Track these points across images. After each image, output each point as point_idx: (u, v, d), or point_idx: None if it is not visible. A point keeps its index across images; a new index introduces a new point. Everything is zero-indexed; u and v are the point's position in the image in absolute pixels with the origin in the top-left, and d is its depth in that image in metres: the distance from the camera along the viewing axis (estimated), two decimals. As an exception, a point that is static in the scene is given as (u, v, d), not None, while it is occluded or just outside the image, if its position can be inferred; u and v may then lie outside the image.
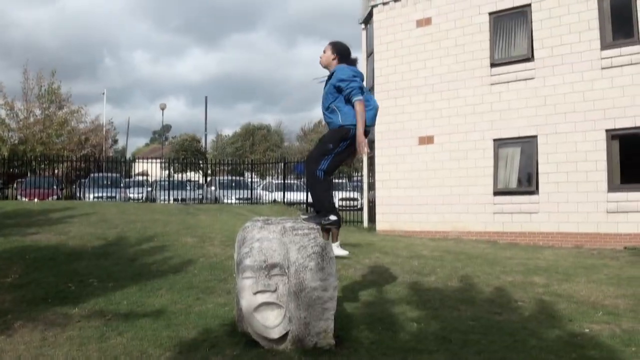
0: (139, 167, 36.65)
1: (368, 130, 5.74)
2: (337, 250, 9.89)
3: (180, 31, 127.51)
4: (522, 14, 16.23)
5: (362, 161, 21.40)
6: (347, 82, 5.57)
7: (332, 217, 5.58)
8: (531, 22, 15.98)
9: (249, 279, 4.78)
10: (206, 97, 69.19)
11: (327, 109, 5.72)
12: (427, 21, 17.78)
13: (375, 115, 5.83)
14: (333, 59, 5.82)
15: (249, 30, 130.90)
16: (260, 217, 5.37)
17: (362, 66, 19.30)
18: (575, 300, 7.23)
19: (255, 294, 4.76)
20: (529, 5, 16.04)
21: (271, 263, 4.80)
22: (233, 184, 28.13)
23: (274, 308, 4.79)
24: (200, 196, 27.90)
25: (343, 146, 5.59)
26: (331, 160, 5.60)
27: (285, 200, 25.11)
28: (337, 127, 5.61)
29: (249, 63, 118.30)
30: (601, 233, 14.66)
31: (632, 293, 7.74)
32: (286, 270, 4.81)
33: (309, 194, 5.72)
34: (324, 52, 5.92)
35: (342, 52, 5.85)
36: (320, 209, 5.64)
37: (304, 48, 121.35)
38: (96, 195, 24.79)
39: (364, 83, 5.79)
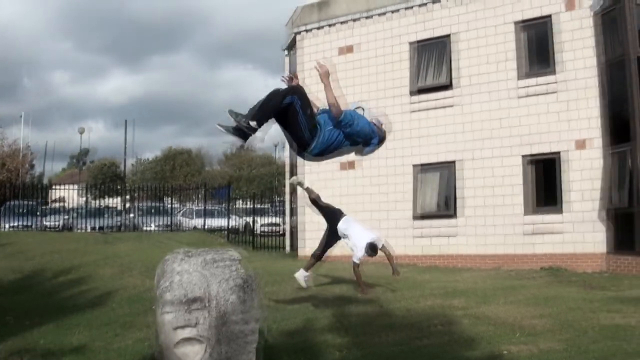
0: (56, 193, 35.32)
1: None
2: (300, 277, 10.08)
3: (101, 52, 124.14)
4: (442, 44, 16.70)
5: (284, 186, 21.35)
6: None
7: (252, 124, 5.12)
8: (450, 52, 16.47)
9: (169, 314, 4.67)
10: (126, 121, 67.36)
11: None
12: (349, 49, 18.05)
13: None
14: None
15: (172, 52, 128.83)
16: (180, 249, 5.25)
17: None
18: (494, 322, 7.39)
19: (175, 329, 4.65)
20: (449, 36, 16.53)
21: (192, 297, 4.70)
22: (153, 211, 27.48)
23: (194, 343, 4.68)
24: (119, 223, 27.14)
25: (302, 113, 5.54)
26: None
27: (206, 227, 24.63)
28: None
29: (172, 85, 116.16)
30: (519, 254, 15.11)
31: (549, 313, 7.98)
32: (207, 304, 4.72)
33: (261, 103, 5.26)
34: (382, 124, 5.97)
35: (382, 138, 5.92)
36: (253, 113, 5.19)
37: (227, 71, 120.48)
38: (11, 224, 23.76)
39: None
